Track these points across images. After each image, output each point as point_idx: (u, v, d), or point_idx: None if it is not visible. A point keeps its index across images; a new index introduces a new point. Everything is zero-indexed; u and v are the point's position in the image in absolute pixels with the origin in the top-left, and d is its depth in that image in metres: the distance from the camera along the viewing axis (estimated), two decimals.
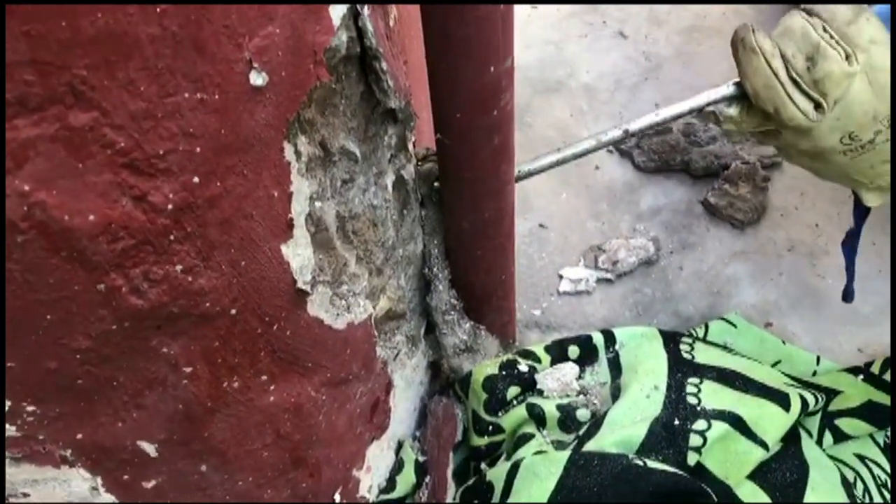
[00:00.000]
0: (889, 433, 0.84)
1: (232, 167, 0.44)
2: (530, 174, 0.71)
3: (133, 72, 0.38)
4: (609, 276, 1.06)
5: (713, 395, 0.73)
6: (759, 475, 0.71)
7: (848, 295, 0.88)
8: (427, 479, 0.81)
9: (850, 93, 0.65)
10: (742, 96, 0.70)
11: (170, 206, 0.43)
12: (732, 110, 0.71)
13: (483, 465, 0.79)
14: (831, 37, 0.64)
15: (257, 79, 0.42)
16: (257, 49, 0.42)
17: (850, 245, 0.86)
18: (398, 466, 0.82)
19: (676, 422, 0.71)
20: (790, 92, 0.65)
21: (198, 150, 0.42)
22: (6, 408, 0.47)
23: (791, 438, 0.75)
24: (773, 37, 0.66)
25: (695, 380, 0.76)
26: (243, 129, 0.44)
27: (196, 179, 0.43)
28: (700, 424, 0.70)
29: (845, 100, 0.65)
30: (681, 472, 0.67)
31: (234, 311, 0.51)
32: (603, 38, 1.48)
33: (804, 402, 0.76)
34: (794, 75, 0.65)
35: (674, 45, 1.44)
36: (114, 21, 0.36)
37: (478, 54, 0.52)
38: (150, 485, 0.59)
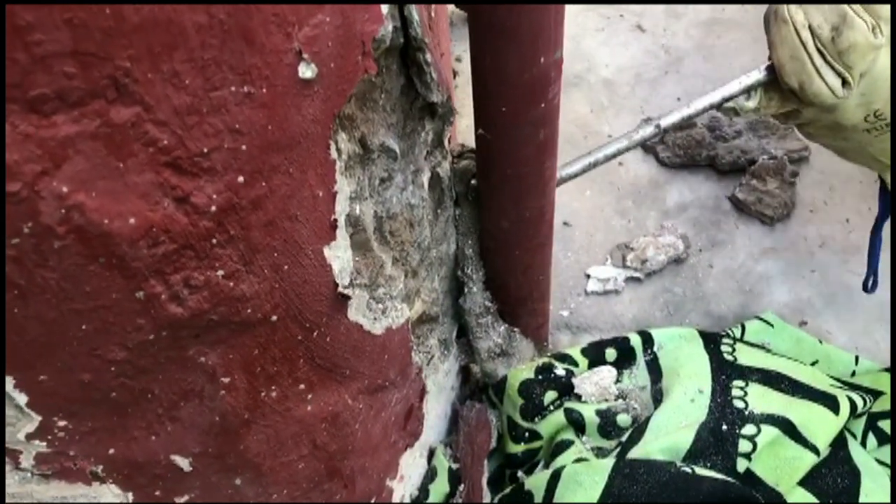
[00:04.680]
0: None
1: (277, 166, 0.42)
2: (568, 179, 0.68)
3: (178, 63, 0.35)
4: (638, 274, 1.03)
5: (760, 398, 0.71)
6: (809, 481, 0.68)
7: (869, 285, 0.86)
8: (461, 488, 0.78)
9: (876, 67, 0.63)
10: (772, 81, 0.68)
11: (213, 208, 0.40)
12: (752, 103, 0.70)
13: (520, 473, 0.76)
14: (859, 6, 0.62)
15: (307, 71, 0.40)
16: (307, 39, 0.39)
17: (875, 232, 0.84)
18: (431, 475, 0.79)
19: (724, 427, 0.68)
20: (817, 64, 0.63)
21: (243, 147, 0.39)
22: (37, 424, 0.44)
23: (838, 442, 0.73)
24: (803, 8, 0.65)
25: (740, 382, 0.73)
26: (290, 125, 0.41)
27: (241, 179, 0.40)
28: (749, 429, 0.68)
29: (871, 74, 0.64)
30: (731, 480, 0.64)
31: (274, 318, 0.48)
32: (620, 31, 1.45)
33: (853, 405, 0.73)
34: (820, 46, 0.63)
35: (693, 38, 1.41)
36: (159, 8, 0.33)
37: (528, 44, 0.49)
38: (182, 500, 0.56)
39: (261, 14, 0.36)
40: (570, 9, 1.48)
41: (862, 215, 1.10)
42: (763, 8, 0.69)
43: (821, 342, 0.91)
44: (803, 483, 0.68)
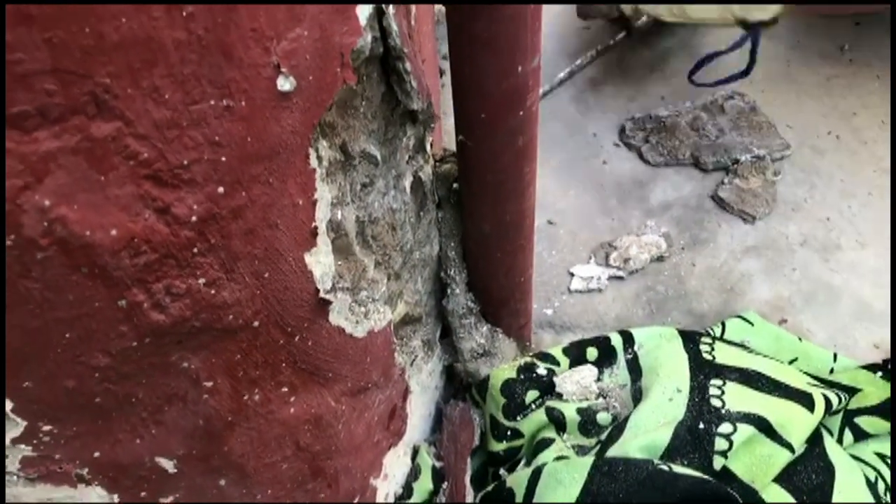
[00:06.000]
0: None
1: (257, 176, 0.42)
2: None
3: (157, 79, 0.36)
4: (621, 273, 1.04)
5: (737, 397, 0.72)
6: (784, 478, 0.69)
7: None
8: (444, 486, 0.79)
9: None
10: None
11: (193, 218, 0.41)
12: None
13: (502, 471, 0.78)
14: None
15: (285, 84, 0.41)
16: (285, 53, 0.40)
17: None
18: (415, 473, 0.80)
19: (701, 425, 0.69)
20: None
21: (223, 159, 0.40)
22: (22, 428, 0.45)
23: (814, 439, 0.74)
24: None
25: (717, 381, 0.74)
26: (270, 136, 0.42)
27: (221, 190, 0.41)
28: (725, 428, 0.69)
29: None
30: (708, 477, 0.66)
31: (256, 324, 0.49)
32: None
33: (828, 403, 0.75)
34: None
35: None
36: (138, 26, 0.34)
37: (506, 55, 0.50)
38: (167, 501, 0.57)
39: (239, 29, 0.37)
40: None
41: (843, 213, 1.12)
42: None
43: (800, 340, 0.93)
44: (778, 480, 0.69)
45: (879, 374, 0.87)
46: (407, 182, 0.63)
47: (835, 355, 0.91)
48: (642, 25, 1.37)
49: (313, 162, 0.47)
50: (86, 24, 0.32)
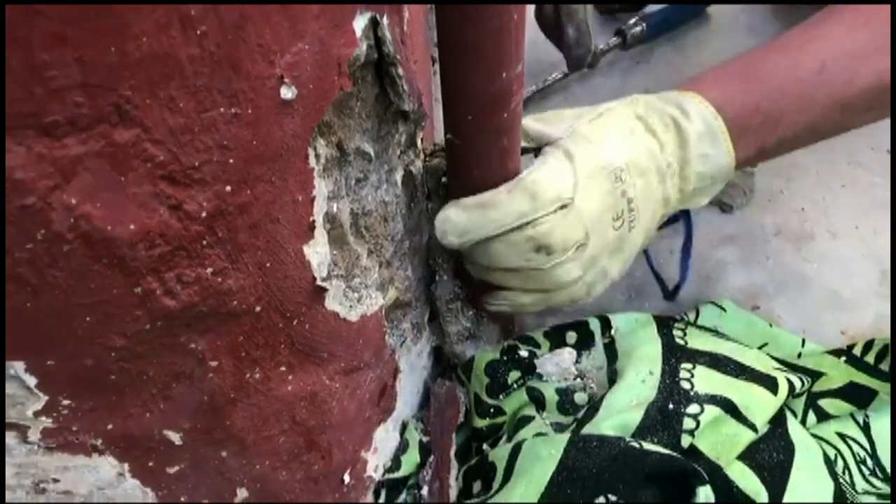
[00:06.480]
0: (868, 412, 0.88)
1: (261, 176, 0.46)
2: None
3: (173, 90, 0.39)
4: None
5: (705, 380, 0.77)
6: (747, 455, 0.74)
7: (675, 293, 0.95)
8: (430, 459, 0.84)
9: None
10: None
11: (203, 214, 0.45)
12: None
13: (485, 446, 0.83)
14: None
15: (287, 93, 0.44)
16: (288, 65, 0.44)
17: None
18: (403, 447, 0.85)
19: (671, 406, 0.74)
20: None
21: (231, 160, 0.44)
22: (44, 402, 0.49)
23: (778, 420, 0.79)
24: None
25: (688, 365, 0.79)
26: (273, 139, 0.46)
27: (228, 188, 0.45)
28: (693, 408, 0.74)
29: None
30: (675, 454, 0.70)
31: (258, 309, 0.53)
32: None
33: (791, 386, 0.80)
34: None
35: None
36: (157, 44, 0.37)
37: (491, 62, 0.54)
38: (173, 470, 0.61)
39: (247, 45, 0.41)
40: None
41: (817, 204, 1.17)
42: None
43: (771, 326, 0.98)
44: (742, 457, 0.74)
45: (843, 358, 0.92)
46: (398, 176, 0.67)
47: (803, 341, 0.96)
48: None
49: (312, 161, 0.51)
50: (112, 43, 0.36)
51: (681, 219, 0.89)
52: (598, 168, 0.65)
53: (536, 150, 0.68)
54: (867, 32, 0.71)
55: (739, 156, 0.73)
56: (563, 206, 0.63)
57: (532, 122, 0.68)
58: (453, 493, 0.81)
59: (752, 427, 0.74)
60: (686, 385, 0.77)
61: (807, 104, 0.72)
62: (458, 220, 0.64)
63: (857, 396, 0.87)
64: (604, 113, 0.69)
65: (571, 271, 0.68)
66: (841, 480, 0.77)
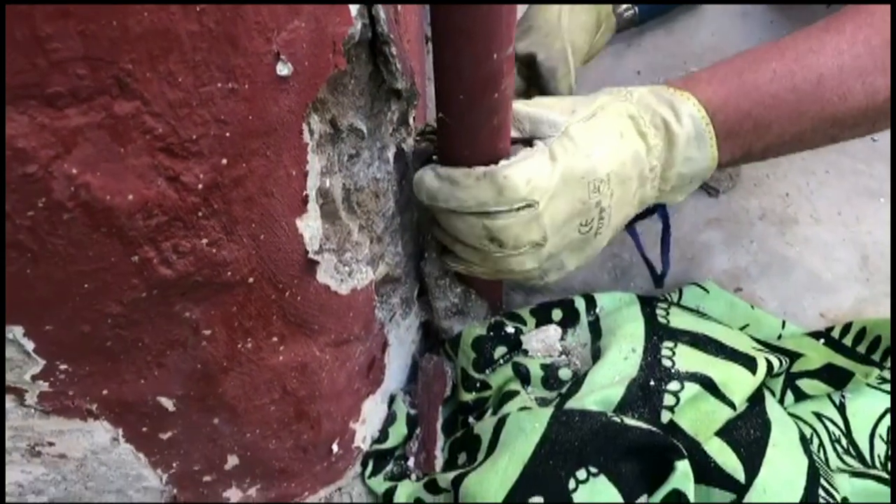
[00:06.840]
0: (844, 393, 0.91)
1: (256, 150, 0.48)
2: None
3: (173, 64, 0.41)
4: None
5: (686, 358, 0.79)
6: (725, 432, 0.76)
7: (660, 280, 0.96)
8: (417, 431, 0.86)
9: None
10: None
11: (200, 186, 0.46)
12: None
13: (471, 419, 0.84)
14: None
15: (283, 69, 0.46)
16: (284, 42, 0.45)
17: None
18: (391, 419, 0.87)
19: (652, 383, 0.76)
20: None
21: (227, 134, 0.45)
22: (42, 366, 0.51)
23: (756, 398, 0.81)
24: None
25: (669, 343, 0.81)
26: (268, 114, 0.47)
27: (224, 161, 0.46)
28: (673, 385, 0.76)
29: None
30: (655, 429, 0.73)
31: (251, 280, 0.55)
32: None
33: (769, 365, 0.82)
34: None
35: None
36: (158, 20, 0.38)
37: (482, 45, 0.55)
38: (166, 436, 0.63)
39: (244, 22, 0.42)
40: None
41: (801, 190, 1.18)
42: None
43: (752, 308, 1.00)
44: (719, 434, 0.76)
45: (822, 340, 0.95)
46: (391, 153, 0.68)
47: (783, 323, 0.99)
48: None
49: (306, 137, 0.52)
50: (114, 18, 0.37)
51: (657, 212, 0.90)
52: (578, 178, 0.66)
53: (528, 141, 0.69)
54: (869, 49, 0.72)
55: (723, 159, 0.75)
56: (528, 206, 0.65)
57: (523, 106, 0.69)
58: (439, 464, 0.83)
59: (731, 404, 0.76)
60: (667, 363, 0.79)
61: (798, 116, 0.73)
62: (430, 185, 0.66)
63: (834, 378, 0.90)
64: (597, 113, 0.69)
65: (525, 263, 0.70)
66: (815, 458, 0.80)
